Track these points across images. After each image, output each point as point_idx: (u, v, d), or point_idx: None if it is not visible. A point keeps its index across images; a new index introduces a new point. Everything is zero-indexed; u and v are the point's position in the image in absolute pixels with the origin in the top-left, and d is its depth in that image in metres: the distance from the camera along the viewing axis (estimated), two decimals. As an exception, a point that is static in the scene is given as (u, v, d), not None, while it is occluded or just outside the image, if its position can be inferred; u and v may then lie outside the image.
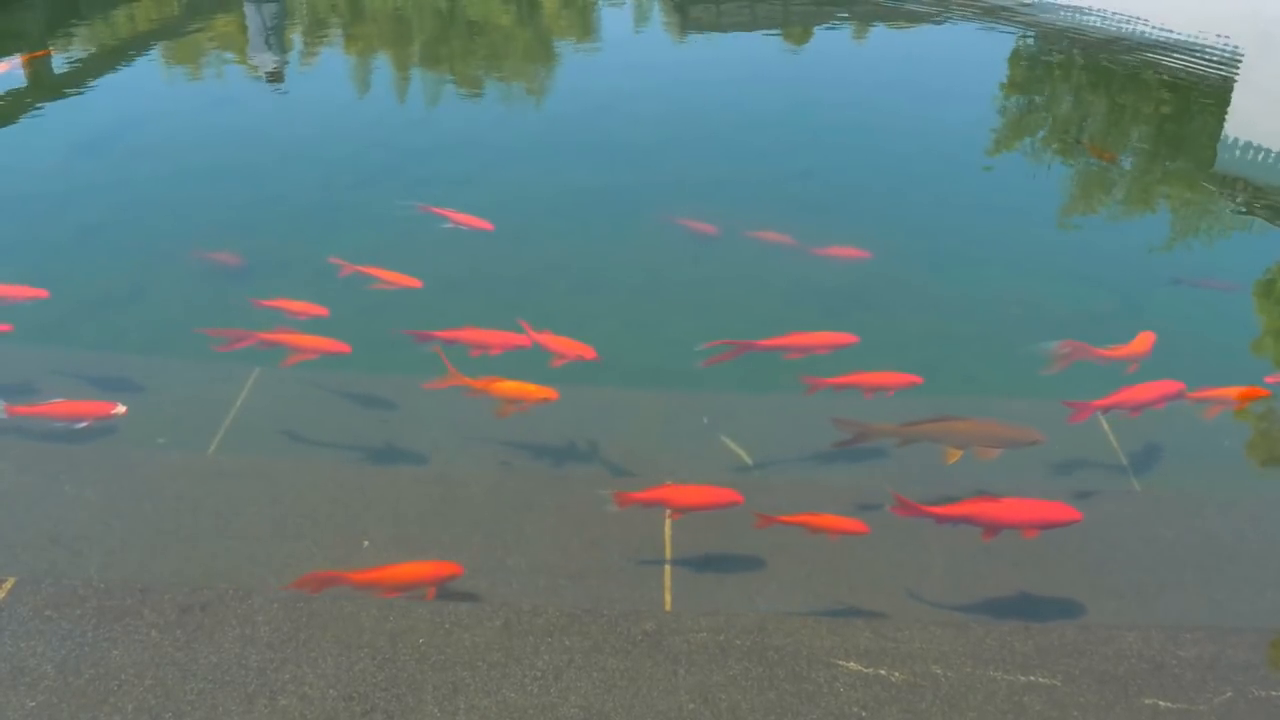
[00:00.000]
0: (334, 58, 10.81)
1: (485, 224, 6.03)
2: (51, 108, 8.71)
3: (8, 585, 3.27)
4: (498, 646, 3.10)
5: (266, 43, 10.90)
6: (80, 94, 9.06)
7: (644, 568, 3.73)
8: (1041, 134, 9.17)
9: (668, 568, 3.73)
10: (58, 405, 4.34)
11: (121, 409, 4.31)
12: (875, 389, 4.52)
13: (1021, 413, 4.75)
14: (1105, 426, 4.66)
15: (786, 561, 3.79)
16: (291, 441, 4.50)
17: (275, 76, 10.03)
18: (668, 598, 3.59)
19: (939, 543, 3.87)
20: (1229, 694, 3.01)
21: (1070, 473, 4.42)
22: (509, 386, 4.30)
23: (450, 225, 5.96)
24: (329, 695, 2.91)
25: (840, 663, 3.09)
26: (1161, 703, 2.97)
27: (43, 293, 5.08)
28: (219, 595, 3.27)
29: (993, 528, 3.62)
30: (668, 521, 3.93)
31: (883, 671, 3.06)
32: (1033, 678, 3.05)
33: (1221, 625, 3.45)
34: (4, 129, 8.30)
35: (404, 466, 4.36)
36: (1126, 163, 8.50)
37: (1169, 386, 4.41)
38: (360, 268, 5.38)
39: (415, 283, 5.29)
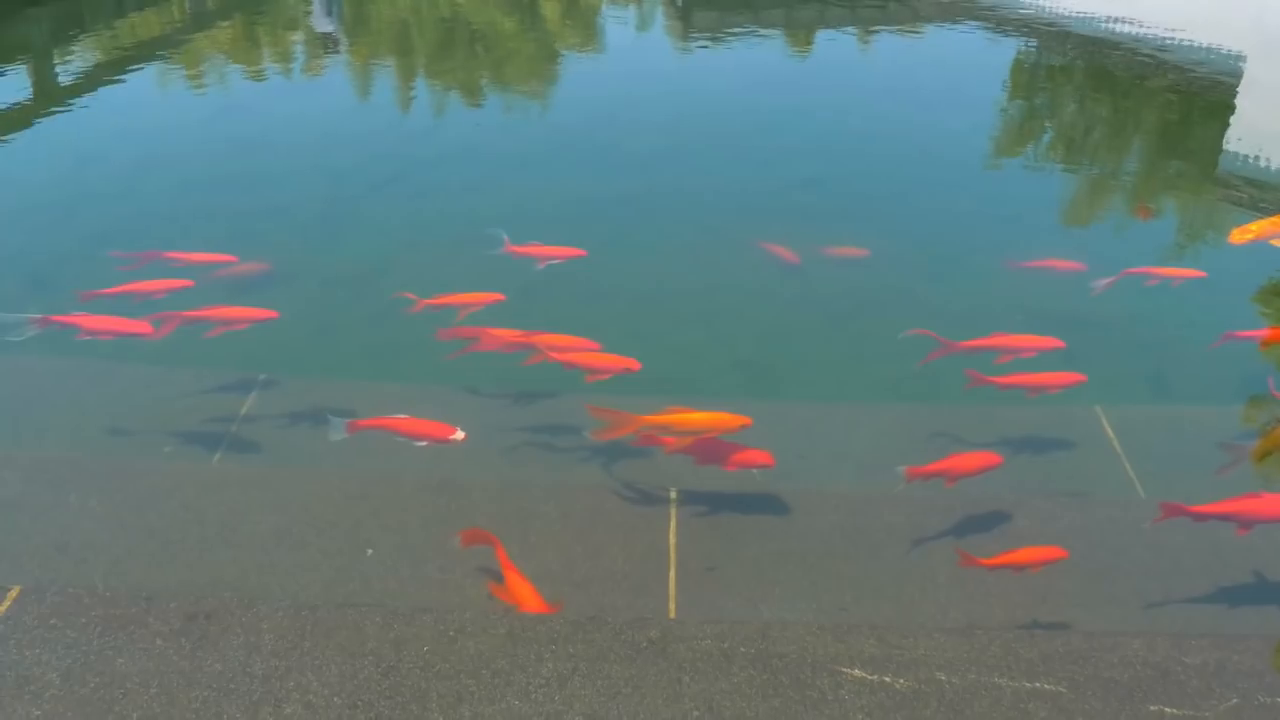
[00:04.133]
0: (338, 65, 10.85)
1: (578, 251, 5.72)
2: (56, 118, 8.75)
3: (13, 594, 3.28)
4: (502, 654, 3.10)
5: (328, 12, 11.95)
6: (85, 104, 9.09)
7: (648, 575, 3.73)
8: (1047, 140, 9.17)
9: (672, 575, 3.73)
10: (401, 421, 4.21)
11: (461, 435, 4.14)
12: (1039, 388, 4.64)
13: (1020, 419, 4.76)
14: (1109, 432, 4.65)
15: (790, 568, 3.79)
16: (295, 450, 4.50)
17: (333, 43, 10.86)
18: (672, 605, 3.59)
19: (942, 549, 3.87)
20: (1235, 701, 3.00)
21: (1074, 479, 4.41)
22: (698, 418, 4.06)
23: (541, 264, 5.62)
24: (333, 703, 2.91)
25: (844, 670, 3.09)
26: (1167, 709, 2.96)
27: (189, 282, 5.21)
28: (223, 604, 3.27)
29: (1254, 524, 3.71)
30: (672, 528, 3.93)
31: (887, 679, 3.05)
32: (1038, 684, 3.04)
33: (1227, 632, 3.44)
34: (10, 140, 8.34)
35: (408, 474, 4.35)
36: (1130, 165, 8.51)
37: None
38: (438, 299, 5.14)
39: (499, 297, 5.15)
